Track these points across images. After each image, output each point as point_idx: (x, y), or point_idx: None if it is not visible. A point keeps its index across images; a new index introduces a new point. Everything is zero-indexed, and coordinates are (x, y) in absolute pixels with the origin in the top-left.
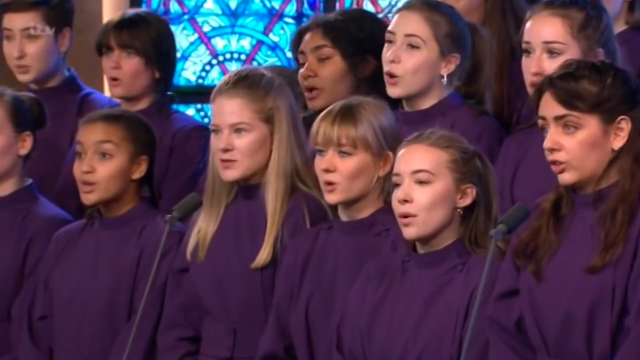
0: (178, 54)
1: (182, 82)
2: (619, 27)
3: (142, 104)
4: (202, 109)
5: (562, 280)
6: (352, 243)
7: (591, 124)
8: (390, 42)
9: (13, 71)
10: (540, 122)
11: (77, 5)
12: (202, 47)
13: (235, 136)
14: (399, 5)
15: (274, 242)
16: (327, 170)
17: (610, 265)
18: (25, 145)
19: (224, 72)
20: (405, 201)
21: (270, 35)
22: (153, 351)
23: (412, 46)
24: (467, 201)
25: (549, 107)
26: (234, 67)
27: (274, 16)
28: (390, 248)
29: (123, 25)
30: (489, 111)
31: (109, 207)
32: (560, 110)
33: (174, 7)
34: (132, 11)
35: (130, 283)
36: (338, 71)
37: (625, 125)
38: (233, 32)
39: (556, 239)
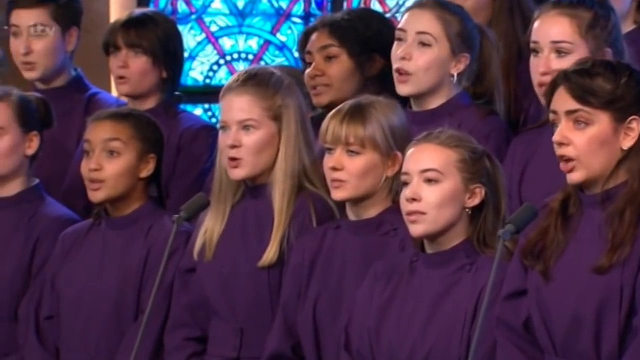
0: (185, 54)
1: (189, 82)
2: (627, 26)
3: (150, 104)
4: (209, 109)
5: (569, 280)
6: (360, 242)
7: (602, 121)
8: (400, 39)
9: (19, 68)
10: (551, 116)
11: (84, 5)
12: (209, 47)
13: (243, 133)
14: (407, 4)
15: (280, 241)
16: (334, 169)
17: (617, 266)
18: (32, 145)
19: (231, 72)
20: (414, 200)
21: (278, 35)
22: (160, 351)
23: (424, 44)
24: (476, 201)
25: (562, 101)
26: (241, 67)
27: (282, 16)
28: (398, 248)
29: (130, 24)
30: (500, 111)
31: (116, 206)
32: (573, 105)
33: (182, 6)
34: (139, 11)
35: (137, 283)
36: (345, 70)
37: (636, 126)
38: (240, 32)
39: (564, 239)
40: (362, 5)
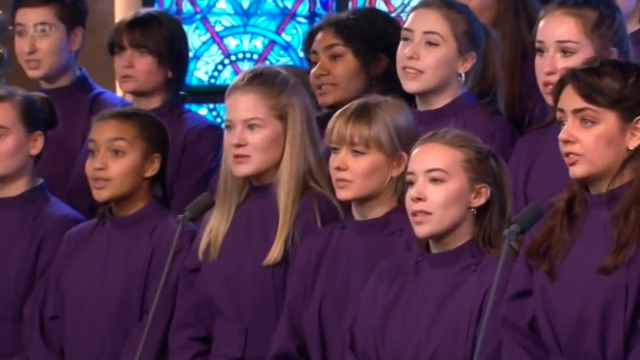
0: (190, 54)
1: (194, 82)
2: (633, 26)
3: (154, 103)
4: (214, 109)
5: (575, 280)
6: (366, 242)
7: (609, 120)
8: (406, 39)
9: (23, 67)
10: (558, 114)
11: (89, 5)
12: (214, 47)
13: (249, 132)
14: (413, 4)
15: (285, 240)
16: (339, 169)
17: (623, 266)
18: (37, 145)
19: (236, 71)
20: (419, 199)
21: (283, 34)
22: (165, 351)
23: (431, 43)
24: (481, 201)
25: (569, 99)
26: (246, 66)
27: (287, 16)
28: (404, 248)
29: (136, 24)
30: (502, 111)
31: (120, 206)
32: (580, 103)
33: (187, 6)
34: (144, 10)
35: (141, 283)
36: (350, 69)
37: None
38: (245, 32)
39: (569, 239)
40: (367, 5)
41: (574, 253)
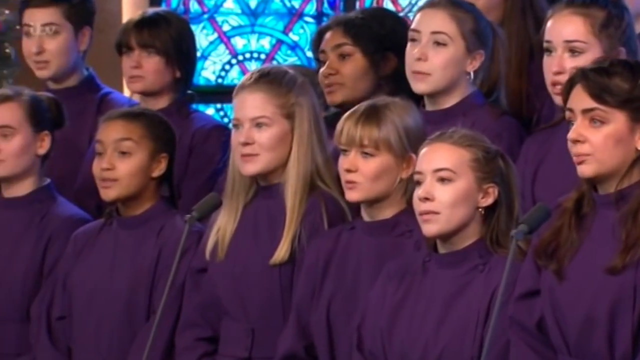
0: (197, 54)
1: (201, 82)
2: None
3: (162, 103)
4: (221, 109)
5: (583, 280)
6: (375, 243)
7: (618, 120)
8: (414, 40)
9: (31, 68)
10: (567, 114)
11: (97, 5)
12: (221, 47)
13: (256, 130)
14: (420, 3)
15: (292, 240)
16: (349, 170)
17: (631, 266)
18: (44, 145)
19: (243, 71)
20: (427, 199)
21: (290, 34)
22: (172, 351)
23: (439, 43)
24: (489, 201)
25: (579, 99)
26: (253, 66)
27: (294, 15)
28: (412, 249)
29: (144, 24)
30: (504, 108)
31: (127, 206)
32: (590, 103)
33: (194, 6)
34: (152, 10)
35: (148, 283)
36: (359, 69)
37: None
38: (253, 32)
39: (578, 238)
40: (374, 4)
41: (582, 253)
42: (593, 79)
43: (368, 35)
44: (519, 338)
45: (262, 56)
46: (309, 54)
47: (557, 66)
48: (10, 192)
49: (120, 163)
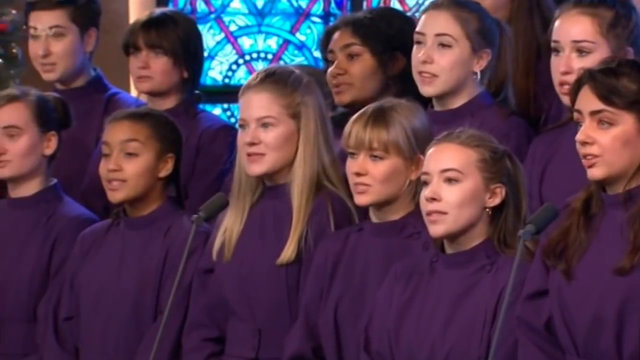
0: (205, 54)
1: (208, 82)
2: None
3: (169, 104)
4: (228, 109)
5: (591, 280)
6: (383, 245)
7: (626, 121)
8: (419, 42)
9: (38, 70)
10: (575, 115)
11: (103, 6)
12: (228, 47)
13: (262, 130)
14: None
15: (298, 240)
16: (358, 174)
17: (639, 267)
18: (50, 145)
19: (250, 71)
20: (434, 199)
21: (297, 34)
22: (179, 352)
23: (444, 45)
24: (496, 201)
25: (586, 100)
26: (260, 66)
27: (301, 15)
28: (421, 250)
29: (151, 24)
30: (512, 108)
31: (134, 206)
32: (597, 105)
33: (201, 6)
34: (159, 10)
35: (156, 283)
36: (367, 68)
37: None
38: (260, 32)
39: (586, 238)
40: (382, 4)
41: (591, 253)
42: (601, 80)
43: (377, 35)
44: (527, 338)
45: (269, 56)
46: (316, 53)
47: (565, 66)
48: (17, 192)
49: (127, 164)
